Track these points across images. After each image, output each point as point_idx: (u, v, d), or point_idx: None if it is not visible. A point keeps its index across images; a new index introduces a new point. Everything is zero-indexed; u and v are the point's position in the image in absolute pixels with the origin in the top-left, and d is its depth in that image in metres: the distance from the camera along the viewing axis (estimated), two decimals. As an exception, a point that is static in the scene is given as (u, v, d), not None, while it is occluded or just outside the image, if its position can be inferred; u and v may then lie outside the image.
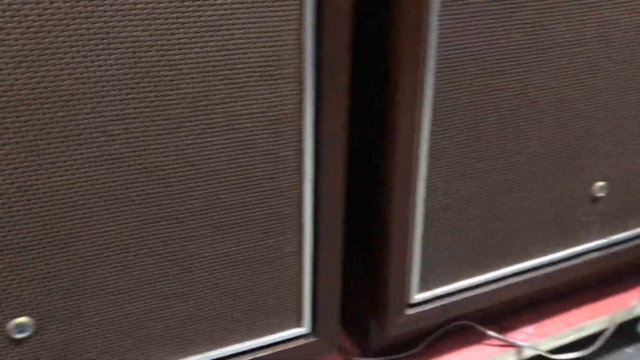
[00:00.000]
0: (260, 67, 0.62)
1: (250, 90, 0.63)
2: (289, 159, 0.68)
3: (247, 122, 0.64)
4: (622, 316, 1.00)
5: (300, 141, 0.67)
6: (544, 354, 0.97)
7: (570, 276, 0.94)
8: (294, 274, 0.75)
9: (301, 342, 0.78)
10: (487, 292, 0.88)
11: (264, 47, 0.61)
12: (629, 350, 1.13)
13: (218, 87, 0.61)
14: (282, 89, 0.64)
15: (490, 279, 0.88)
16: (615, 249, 0.96)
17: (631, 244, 0.97)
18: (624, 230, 0.96)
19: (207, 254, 0.69)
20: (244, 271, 0.72)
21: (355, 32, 0.67)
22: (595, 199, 0.90)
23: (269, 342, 0.77)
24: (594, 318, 1.01)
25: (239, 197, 0.67)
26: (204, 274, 0.70)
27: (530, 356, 0.98)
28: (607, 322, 1.01)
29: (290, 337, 0.78)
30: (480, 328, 0.97)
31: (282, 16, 0.61)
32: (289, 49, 0.63)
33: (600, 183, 0.89)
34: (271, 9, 0.61)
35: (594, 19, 0.78)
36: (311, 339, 0.78)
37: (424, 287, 0.84)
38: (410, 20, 0.67)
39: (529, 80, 0.78)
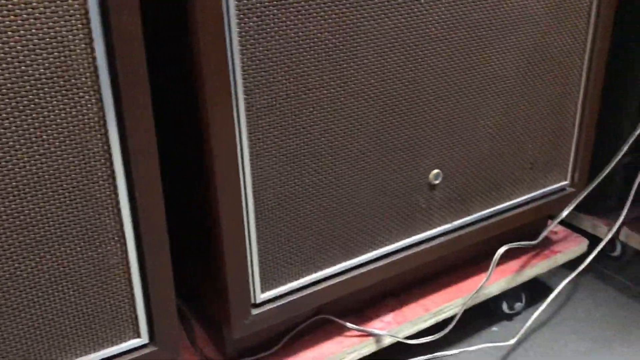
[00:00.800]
0: (49, 78, 0.61)
1: (42, 102, 0.62)
2: (98, 168, 0.67)
3: (44, 135, 0.63)
4: (473, 297, 1.05)
5: (108, 149, 0.67)
6: (401, 339, 1.00)
7: (419, 262, 0.98)
8: (123, 285, 0.74)
9: (141, 352, 0.78)
10: (335, 285, 0.90)
11: (51, 58, 0.61)
12: (494, 329, 1.18)
13: (5, 101, 0.60)
14: (77, 98, 0.63)
15: (337, 271, 0.91)
16: (459, 233, 1.00)
17: (475, 227, 1.02)
18: (466, 214, 1.00)
19: (22, 273, 0.67)
20: (67, 286, 0.70)
21: (153, 33, 0.67)
22: (433, 187, 0.94)
23: (107, 355, 0.76)
24: (450, 301, 1.05)
25: (49, 211, 0.66)
26: (23, 293, 0.68)
27: (389, 344, 1.01)
28: (461, 304, 1.05)
29: (129, 348, 0.77)
30: (339, 321, 0.99)
31: (68, 25, 0.61)
32: (78, 58, 0.62)
33: (435, 171, 0.93)
34: (56, 19, 0.60)
35: (407, 12, 0.82)
36: (151, 349, 0.78)
37: (268, 285, 0.85)
38: (208, 23, 0.68)
39: (348, 76, 0.80)
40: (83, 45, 0.62)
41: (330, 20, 0.76)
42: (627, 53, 1.10)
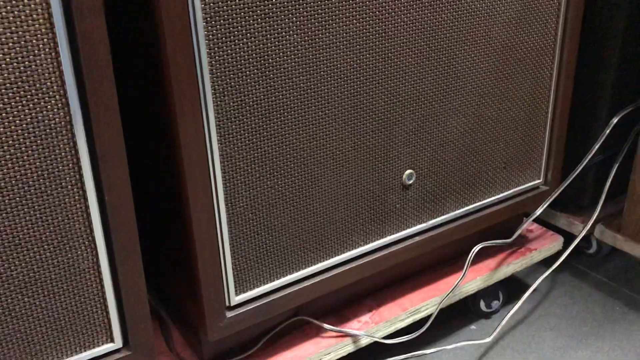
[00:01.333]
0: (14, 83, 0.61)
1: (7, 107, 0.62)
2: (65, 172, 0.67)
3: (10, 140, 0.63)
4: (449, 296, 1.06)
5: (76, 154, 0.67)
6: (378, 339, 1.01)
7: (394, 262, 0.98)
8: (95, 289, 0.74)
9: (115, 357, 0.77)
10: (310, 286, 0.91)
11: (14, 62, 0.61)
12: (472, 327, 1.19)
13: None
14: (43, 103, 0.63)
15: (312, 272, 0.91)
16: (434, 232, 1.01)
17: (450, 226, 1.03)
18: (441, 214, 1.01)
19: (-9, 279, 0.67)
20: (37, 292, 0.70)
21: (121, 36, 0.67)
22: (407, 187, 0.95)
23: (80, 361, 0.76)
24: (426, 300, 1.06)
25: (17, 216, 0.66)
26: (-8, 299, 0.68)
27: (367, 344, 1.01)
28: (438, 303, 1.06)
29: (103, 353, 0.77)
30: (316, 322, 0.99)
31: (32, 29, 0.61)
32: (43, 62, 0.62)
33: (408, 171, 0.94)
34: (19, 23, 0.60)
35: (374, 14, 0.82)
36: (124, 353, 0.78)
37: (242, 288, 0.85)
38: (175, 30, 0.68)
39: (318, 78, 0.81)
40: (47, 50, 0.62)
41: (298, 23, 0.76)
42: (597, 53, 1.11)
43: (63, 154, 0.66)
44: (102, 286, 0.74)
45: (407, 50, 0.87)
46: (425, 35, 0.88)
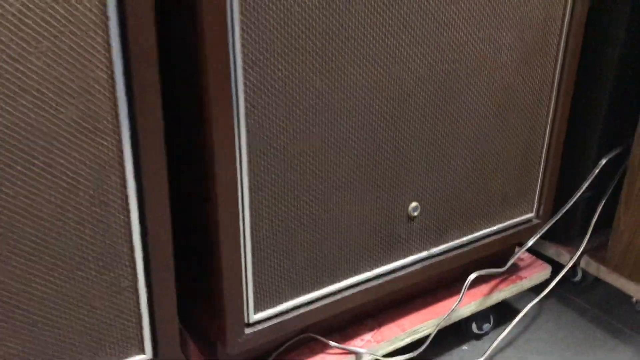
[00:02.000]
0: (76, 122, 0.69)
1: (69, 143, 0.70)
2: (114, 201, 0.75)
3: (68, 171, 0.71)
4: (446, 319, 1.14)
5: (124, 184, 0.75)
6: (379, 357, 1.09)
7: (398, 286, 1.06)
8: (132, 306, 0.82)
9: (144, 367, 0.85)
10: (321, 307, 0.98)
11: (79, 105, 0.69)
12: (464, 347, 1.28)
13: (35, 140, 0.68)
14: (99, 140, 0.71)
15: (323, 295, 0.99)
16: (434, 260, 1.09)
17: (450, 254, 1.11)
18: (442, 243, 1.10)
19: (41, 295, 0.74)
20: (81, 306, 0.78)
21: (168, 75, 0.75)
22: (411, 219, 1.03)
23: (113, 370, 0.83)
24: (425, 322, 1.14)
25: (70, 239, 0.74)
26: (46, 310, 0.75)
27: (368, 361, 1.09)
28: (435, 325, 1.14)
29: (134, 363, 0.85)
30: (323, 339, 1.07)
31: (93, 76, 0.69)
32: (102, 105, 0.70)
33: (414, 204, 1.02)
34: (81, 72, 0.68)
35: (387, 58, 0.91)
36: (153, 364, 0.85)
37: (260, 307, 0.93)
38: (216, 70, 0.76)
39: (337, 118, 0.89)
40: (107, 94, 0.70)
41: (323, 70, 0.85)
42: (589, 98, 1.21)
43: (113, 184, 0.74)
44: (139, 303, 0.81)
45: (417, 94, 0.96)
46: (434, 80, 0.97)
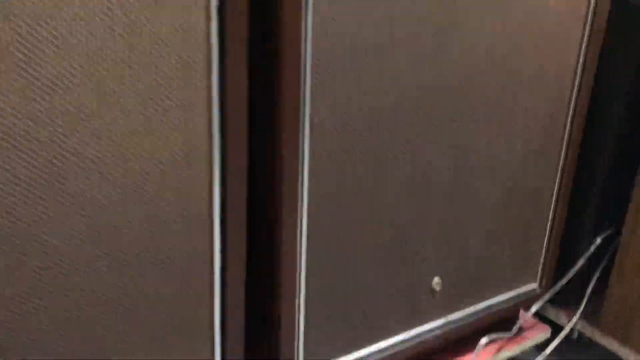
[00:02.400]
0: (174, 160, 0.83)
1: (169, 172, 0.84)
2: (199, 214, 0.88)
3: (161, 202, 0.84)
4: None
5: (211, 214, 0.89)
6: (403, 410, 1.26)
7: (420, 350, 1.24)
8: (206, 312, 0.93)
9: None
10: (358, 367, 1.16)
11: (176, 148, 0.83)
12: (474, 398, 1.44)
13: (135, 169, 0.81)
14: (194, 171, 0.86)
15: (361, 356, 1.16)
16: (453, 325, 1.27)
17: (465, 321, 1.29)
18: (461, 309, 1.27)
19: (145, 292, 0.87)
20: (163, 306, 0.89)
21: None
22: (433, 292, 1.21)
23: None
24: (441, 378, 1.31)
25: (160, 247, 0.86)
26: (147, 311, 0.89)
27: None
28: (451, 381, 1.31)
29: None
30: (354, 393, 1.24)
31: (192, 110, 0.82)
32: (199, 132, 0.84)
33: (436, 279, 1.20)
34: (180, 107, 0.82)
35: (415, 165, 1.10)
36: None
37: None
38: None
39: (374, 203, 1.07)
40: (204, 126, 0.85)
41: (369, 170, 1.03)
42: (585, 189, 1.41)
43: (203, 202, 0.88)
44: (213, 312, 0.94)
45: (439, 187, 1.14)
46: (450, 172, 1.15)
